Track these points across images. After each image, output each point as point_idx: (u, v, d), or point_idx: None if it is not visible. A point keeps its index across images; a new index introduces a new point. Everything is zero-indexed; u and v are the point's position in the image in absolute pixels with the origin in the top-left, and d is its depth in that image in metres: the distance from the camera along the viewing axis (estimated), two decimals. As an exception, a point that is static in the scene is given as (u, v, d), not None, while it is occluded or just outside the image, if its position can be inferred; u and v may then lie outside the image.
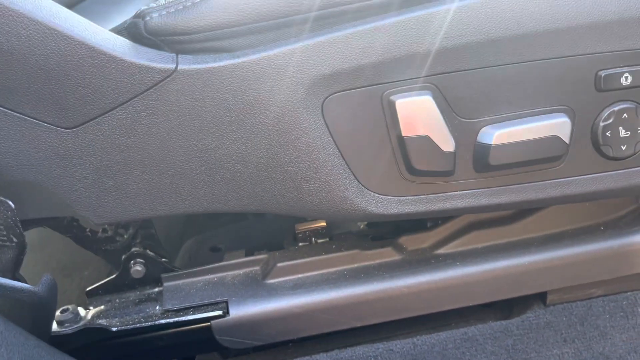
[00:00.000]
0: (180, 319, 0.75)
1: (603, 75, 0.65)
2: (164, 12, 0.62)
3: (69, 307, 0.77)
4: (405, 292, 0.76)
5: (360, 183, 0.67)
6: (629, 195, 0.80)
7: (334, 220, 0.84)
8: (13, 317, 0.56)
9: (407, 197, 0.69)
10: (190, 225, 1.07)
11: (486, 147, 0.66)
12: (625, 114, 0.67)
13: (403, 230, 0.82)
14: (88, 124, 0.62)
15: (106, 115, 0.62)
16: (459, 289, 0.77)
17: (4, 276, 0.60)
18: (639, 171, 0.70)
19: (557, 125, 0.66)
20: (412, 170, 0.66)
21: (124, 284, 0.80)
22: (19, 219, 0.62)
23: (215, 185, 0.67)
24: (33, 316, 0.60)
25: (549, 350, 0.81)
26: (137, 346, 0.77)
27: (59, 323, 0.75)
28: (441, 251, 0.80)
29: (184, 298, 0.76)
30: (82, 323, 0.75)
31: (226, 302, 0.75)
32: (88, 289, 0.80)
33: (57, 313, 0.76)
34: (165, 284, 0.78)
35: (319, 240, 0.84)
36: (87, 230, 0.78)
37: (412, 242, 0.80)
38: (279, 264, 0.79)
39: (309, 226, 0.83)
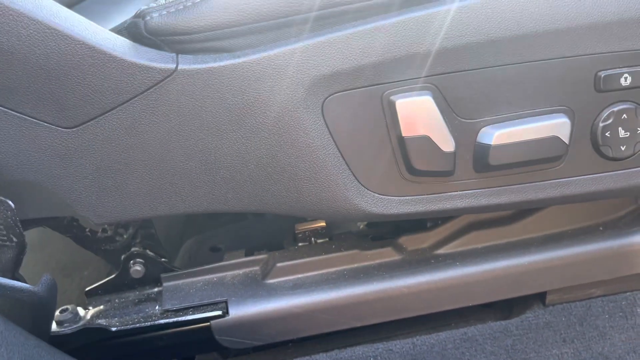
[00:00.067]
0: (180, 319, 0.75)
1: (603, 75, 0.65)
2: (164, 12, 0.62)
3: (69, 307, 0.77)
4: (405, 292, 0.76)
5: (360, 183, 0.67)
6: (628, 195, 0.80)
7: (333, 220, 0.84)
8: (13, 317, 0.56)
9: (407, 197, 0.69)
10: (190, 225, 1.07)
11: (486, 147, 0.66)
12: (624, 115, 0.67)
13: (403, 230, 0.82)
14: (88, 123, 0.62)
15: (106, 115, 0.62)
16: (458, 289, 0.77)
17: (3, 276, 0.60)
18: (638, 172, 0.70)
19: (557, 126, 0.66)
20: (412, 170, 0.67)
21: (124, 283, 0.80)
22: (19, 219, 0.62)
23: (215, 185, 0.67)
24: (33, 316, 0.60)
25: (548, 350, 0.82)
26: (137, 346, 0.77)
27: (59, 323, 0.75)
28: (441, 251, 0.80)
29: (184, 298, 0.76)
30: (81, 323, 0.75)
31: (226, 302, 0.75)
32: (87, 288, 0.80)
33: (57, 313, 0.75)
34: (164, 284, 0.78)
35: (319, 240, 0.84)
36: (87, 230, 0.78)
37: (412, 242, 0.80)
38: (279, 264, 0.79)
39: (308, 226, 0.83)
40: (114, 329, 0.74)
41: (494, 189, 0.69)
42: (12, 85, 0.59)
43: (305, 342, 0.84)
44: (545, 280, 0.79)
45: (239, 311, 0.74)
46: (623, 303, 0.84)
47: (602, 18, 0.63)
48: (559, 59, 0.64)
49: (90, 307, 0.79)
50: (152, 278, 0.80)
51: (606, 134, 0.67)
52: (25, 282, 0.63)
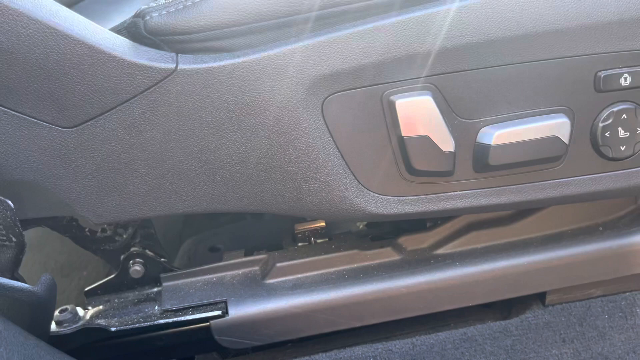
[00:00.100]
0: (179, 319, 0.75)
1: (602, 75, 0.65)
2: (164, 12, 0.62)
3: (68, 307, 0.77)
4: (405, 293, 0.76)
5: (360, 183, 0.67)
6: (627, 195, 0.80)
7: (333, 220, 0.84)
8: (12, 317, 0.56)
9: (407, 197, 0.69)
10: (190, 225, 1.07)
11: (486, 147, 0.66)
12: (624, 115, 0.67)
13: (402, 230, 0.82)
14: (88, 123, 0.62)
15: (106, 114, 0.62)
16: (458, 289, 0.77)
17: (3, 276, 0.60)
18: (638, 172, 0.70)
19: (557, 126, 0.66)
20: (411, 170, 0.67)
21: (123, 283, 0.80)
22: (18, 219, 0.62)
23: (214, 185, 0.67)
24: (32, 316, 0.60)
25: (548, 350, 0.82)
26: (136, 346, 0.77)
27: (58, 323, 0.75)
28: (440, 251, 0.80)
29: (183, 298, 0.76)
30: (80, 323, 0.75)
31: (225, 302, 0.75)
32: (87, 288, 0.80)
33: (56, 313, 0.75)
34: (164, 284, 0.78)
35: (318, 241, 0.84)
36: (86, 230, 0.78)
37: (412, 242, 0.80)
38: (278, 264, 0.79)
39: (308, 226, 0.83)
40: (113, 329, 0.74)
41: (494, 189, 0.69)
42: (12, 85, 0.59)
43: (304, 342, 0.84)
44: (545, 281, 0.79)
45: (238, 311, 0.74)
46: (622, 303, 0.84)
47: (602, 18, 0.63)
48: (559, 59, 0.64)
49: (90, 307, 0.79)
50: (151, 278, 0.80)
51: (606, 134, 0.67)
52: (25, 282, 0.63)
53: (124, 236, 0.79)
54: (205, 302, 0.75)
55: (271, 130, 0.64)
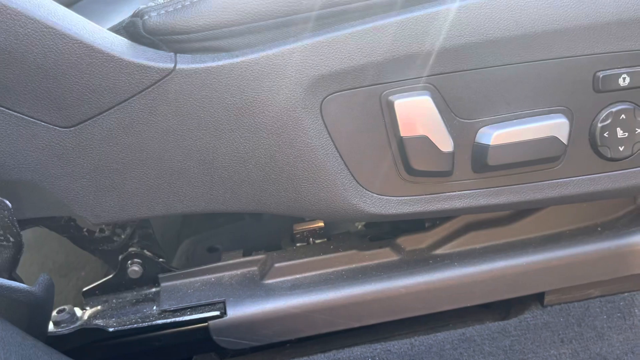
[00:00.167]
0: (178, 319, 0.74)
1: (601, 76, 0.65)
2: (163, 11, 0.62)
3: (66, 307, 0.76)
4: (403, 293, 0.76)
5: (358, 183, 0.67)
6: (626, 196, 0.80)
7: (332, 220, 0.84)
8: (10, 317, 0.56)
9: (406, 198, 0.69)
10: (188, 225, 1.07)
11: (484, 148, 0.66)
12: (623, 115, 0.67)
13: (401, 230, 0.82)
14: (86, 123, 0.62)
15: (104, 114, 0.62)
16: (456, 289, 0.77)
17: (0, 276, 0.60)
18: (637, 172, 0.70)
19: (555, 126, 0.66)
20: (410, 170, 0.66)
21: (121, 284, 0.80)
22: (16, 219, 0.61)
23: (213, 185, 0.67)
24: (30, 316, 0.60)
25: (547, 350, 0.82)
26: (134, 347, 0.76)
27: (56, 323, 0.75)
28: (439, 252, 0.80)
29: (181, 298, 0.76)
30: (78, 323, 0.75)
31: (224, 302, 0.75)
32: (85, 289, 0.80)
33: (54, 313, 0.75)
34: (162, 284, 0.78)
35: (317, 241, 0.83)
36: (84, 230, 0.78)
37: (410, 242, 0.80)
38: (277, 265, 0.79)
39: (306, 226, 0.83)
40: (111, 329, 0.74)
41: (493, 189, 0.69)
42: (10, 84, 0.59)
43: (303, 342, 0.84)
44: (544, 281, 0.79)
45: (236, 311, 0.74)
46: (621, 304, 0.84)
47: (600, 18, 0.63)
48: (558, 59, 0.64)
49: (88, 308, 0.78)
50: (149, 278, 0.79)
51: (604, 135, 0.67)
52: (22, 282, 0.62)
53: (122, 236, 0.78)
54: (203, 302, 0.75)
55: (270, 130, 0.64)
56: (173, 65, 0.61)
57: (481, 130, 0.66)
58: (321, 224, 0.83)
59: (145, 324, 0.74)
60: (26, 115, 0.61)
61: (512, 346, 0.82)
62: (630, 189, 0.71)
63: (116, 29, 0.65)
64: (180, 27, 0.62)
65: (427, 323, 0.84)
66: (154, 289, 0.80)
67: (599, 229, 0.81)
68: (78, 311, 0.77)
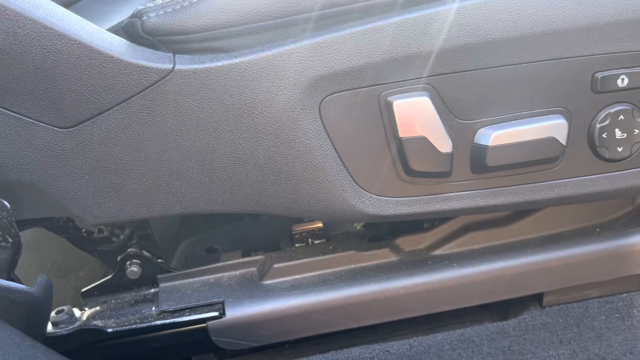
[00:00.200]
0: (176, 320, 0.74)
1: (600, 77, 0.65)
2: (162, 12, 0.62)
3: (64, 308, 0.76)
4: (402, 293, 0.76)
5: (357, 184, 0.67)
6: (625, 196, 0.80)
7: (331, 221, 0.84)
8: (8, 318, 0.56)
9: (404, 198, 0.69)
10: (187, 226, 1.07)
11: (483, 148, 0.66)
12: (621, 116, 0.67)
13: (400, 231, 0.82)
14: (84, 123, 0.62)
15: (103, 115, 0.62)
16: (455, 290, 0.77)
17: (-1, 277, 0.60)
18: (635, 173, 0.70)
19: (554, 127, 0.66)
20: (409, 171, 0.67)
21: (120, 284, 0.79)
22: (15, 219, 0.61)
23: (212, 185, 0.67)
24: (28, 317, 0.60)
25: (545, 351, 0.82)
26: (133, 347, 0.76)
27: (54, 324, 0.75)
28: (438, 252, 0.80)
29: (180, 299, 0.76)
30: (77, 324, 0.75)
31: (222, 303, 0.75)
32: (83, 289, 0.80)
33: (53, 314, 0.75)
34: (161, 285, 0.78)
35: (316, 241, 0.83)
36: (83, 230, 0.78)
37: (409, 243, 0.80)
38: (276, 265, 0.79)
39: (305, 227, 0.83)
40: (110, 330, 0.74)
41: (491, 190, 0.69)
42: (8, 85, 0.59)
43: (302, 343, 0.84)
44: (542, 282, 0.80)
45: (235, 312, 0.74)
46: (620, 304, 0.84)
47: (599, 19, 0.63)
48: (556, 60, 0.64)
49: (86, 308, 0.78)
50: (148, 279, 0.79)
51: (603, 135, 0.67)
52: (21, 283, 0.62)
53: (121, 237, 0.78)
54: (202, 303, 0.75)
55: (269, 131, 0.64)
56: (172, 65, 0.61)
57: (480, 131, 0.66)
58: (320, 224, 0.83)
59: (144, 325, 0.74)
60: (25, 116, 0.61)
61: (510, 347, 0.82)
62: (629, 190, 0.71)
63: (115, 30, 0.65)
64: (179, 27, 0.62)
65: (426, 324, 0.84)
66: (152, 290, 0.80)
67: (598, 229, 0.81)
68: (77, 312, 0.77)
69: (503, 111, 0.66)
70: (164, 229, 1.04)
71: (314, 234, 0.83)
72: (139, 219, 0.69)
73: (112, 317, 0.76)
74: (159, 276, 0.79)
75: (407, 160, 0.66)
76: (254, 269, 0.79)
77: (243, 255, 0.82)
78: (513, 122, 0.66)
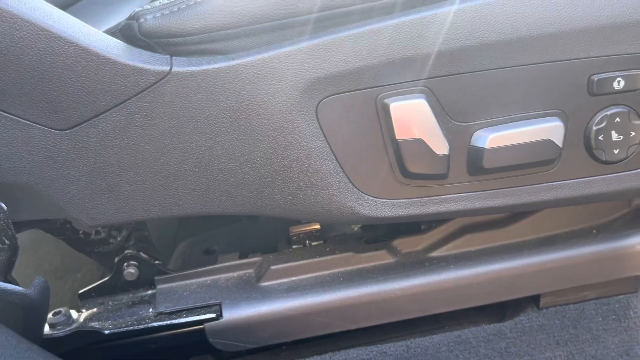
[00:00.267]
0: (174, 321, 0.74)
1: (596, 79, 0.65)
2: (159, 14, 0.62)
3: (62, 309, 0.76)
4: (399, 295, 0.76)
5: (354, 186, 0.67)
6: (621, 198, 0.80)
7: (328, 223, 0.84)
8: (5, 320, 0.55)
9: (401, 200, 0.69)
10: (184, 227, 1.07)
11: (480, 151, 0.66)
12: (617, 118, 0.67)
13: (397, 232, 0.82)
14: (81, 125, 0.62)
15: (100, 117, 0.62)
16: (452, 291, 0.78)
17: (-5, 278, 0.60)
18: (631, 175, 0.70)
19: (551, 129, 0.66)
20: (406, 173, 0.67)
21: (117, 286, 0.79)
22: (12, 221, 0.61)
23: (209, 187, 0.67)
24: (25, 319, 0.60)
25: (542, 353, 0.82)
26: (130, 349, 0.76)
27: (51, 326, 0.74)
28: (435, 254, 0.80)
29: (177, 301, 0.76)
30: (74, 326, 0.75)
31: (220, 304, 0.75)
32: (80, 291, 0.80)
33: (50, 315, 0.75)
34: (158, 287, 0.78)
35: (313, 243, 0.84)
36: (80, 232, 0.78)
37: (406, 244, 0.80)
38: (273, 267, 0.79)
39: (303, 229, 0.83)
40: (107, 331, 0.74)
41: (488, 191, 0.69)
42: (5, 87, 0.59)
43: (299, 344, 0.84)
44: (539, 283, 0.80)
45: (232, 314, 0.74)
46: (616, 306, 0.85)
47: (595, 22, 0.63)
48: (553, 63, 0.64)
49: (84, 310, 0.78)
50: (145, 280, 0.79)
51: (599, 138, 0.68)
52: (18, 284, 0.62)
53: (118, 239, 0.78)
54: (199, 304, 0.75)
55: (266, 133, 0.64)
56: (169, 68, 0.61)
57: (476, 133, 0.66)
58: (317, 226, 0.83)
59: (141, 327, 0.74)
60: (22, 118, 0.61)
61: (507, 348, 0.82)
62: (625, 192, 0.71)
63: (112, 32, 0.65)
64: (176, 29, 0.62)
65: (423, 325, 0.84)
66: (150, 291, 0.79)
67: (594, 231, 0.81)
68: (74, 313, 0.77)
69: (499, 113, 0.66)
70: (162, 230, 1.04)
71: (312, 235, 0.83)
72: (136, 220, 0.69)
73: (110, 318, 0.76)
74: (157, 278, 0.79)
75: (403, 162, 0.66)
76: (251, 270, 0.79)
77: (240, 257, 0.82)
78: (509, 124, 0.66)
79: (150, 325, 0.74)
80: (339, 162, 0.66)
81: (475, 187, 0.69)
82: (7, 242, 0.61)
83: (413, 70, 0.63)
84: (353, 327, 0.78)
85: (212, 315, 0.74)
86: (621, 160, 0.69)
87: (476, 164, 0.67)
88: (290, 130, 0.64)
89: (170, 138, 0.63)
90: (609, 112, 0.67)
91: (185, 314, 0.75)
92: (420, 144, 0.65)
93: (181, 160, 0.65)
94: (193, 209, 0.68)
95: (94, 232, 0.78)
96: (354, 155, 0.66)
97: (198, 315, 0.75)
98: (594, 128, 0.67)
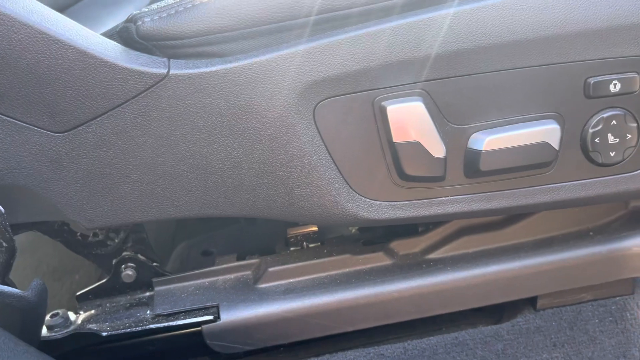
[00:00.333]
0: (171, 323, 0.75)
1: (592, 82, 0.65)
2: (156, 17, 0.62)
3: (59, 311, 0.76)
4: (397, 297, 0.76)
5: (351, 188, 0.67)
6: (617, 201, 0.80)
7: (325, 225, 0.84)
8: (2, 322, 0.55)
9: (398, 202, 0.69)
10: (182, 229, 1.07)
11: (477, 153, 0.66)
12: (614, 121, 0.67)
13: (394, 235, 0.82)
14: (79, 128, 0.62)
15: (97, 119, 0.62)
16: (449, 293, 0.78)
17: (-7, 281, 0.60)
18: (628, 177, 0.71)
19: (547, 132, 0.66)
20: (403, 175, 0.67)
21: (115, 288, 0.79)
22: (9, 223, 0.61)
23: (206, 189, 0.67)
24: (22, 321, 0.60)
25: (539, 354, 0.82)
26: (128, 351, 0.76)
27: (49, 328, 0.74)
28: (432, 256, 0.80)
29: (175, 303, 0.76)
30: (72, 328, 0.75)
31: (217, 306, 0.75)
32: (78, 293, 0.80)
33: (47, 317, 0.75)
34: (156, 289, 0.78)
35: (311, 245, 0.84)
36: (78, 234, 0.78)
37: (404, 246, 0.81)
38: (271, 269, 0.79)
39: (300, 231, 0.83)
40: (104, 333, 0.74)
41: (485, 194, 0.69)
42: (3, 90, 0.59)
43: (296, 346, 0.84)
44: (536, 285, 0.80)
45: (230, 316, 0.74)
46: (613, 308, 0.85)
47: (591, 25, 0.64)
48: (549, 66, 0.64)
49: (81, 312, 0.78)
50: (143, 282, 0.79)
51: (596, 140, 0.68)
52: (15, 286, 0.62)
53: (116, 240, 0.78)
54: (197, 306, 0.75)
55: (263, 136, 0.64)
56: (166, 70, 0.61)
57: (473, 135, 0.66)
58: (315, 228, 0.83)
59: (139, 329, 0.74)
60: (19, 121, 0.61)
61: (504, 350, 0.82)
62: (622, 194, 0.72)
63: (109, 35, 0.65)
64: (173, 32, 0.62)
65: (420, 327, 0.84)
66: (147, 293, 0.80)
67: (591, 233, 0.81)
68: (72, 315, 0.77)
69: (496, 116, 0.66)
70: (159, 232, 1.04)
71: (309, 237, 0.83)
72: (133, 222, 0.69)
73: (107, 320, 0.76)
74: (154, 280, 0.79)
75: (401, 164, 0.66)
76: (248, 272, 0.79)
77: (238, 259, 0.82)
78: (506, 127, 0.66)
79: (148, 327, 0.74)
80: (336, 165, 0.66)
81: (472, 189, 0.69)
82: (4, 244, 0.61)
83: (410, 73, 0.63)
84: (350, 329, 0.78)
85: (210, 317, 0.74)
86: (617, 163, 0.69)
87: (473, 166, 0.67)
88: (288, 132, 0.64)
89: (167, 140, 0.64)
90: (605, 115, 0.67)
91: (182, 316, 0.75)
92: (417, 146, 0.65)
93: (179, 163, 0.65)
94: (191, 211, 0.68)
95: (91, 234, 0.78)
96: (351, 158, 0.66)
97: (196, 317, 0.75)
98: (591, 131, 0.67)
